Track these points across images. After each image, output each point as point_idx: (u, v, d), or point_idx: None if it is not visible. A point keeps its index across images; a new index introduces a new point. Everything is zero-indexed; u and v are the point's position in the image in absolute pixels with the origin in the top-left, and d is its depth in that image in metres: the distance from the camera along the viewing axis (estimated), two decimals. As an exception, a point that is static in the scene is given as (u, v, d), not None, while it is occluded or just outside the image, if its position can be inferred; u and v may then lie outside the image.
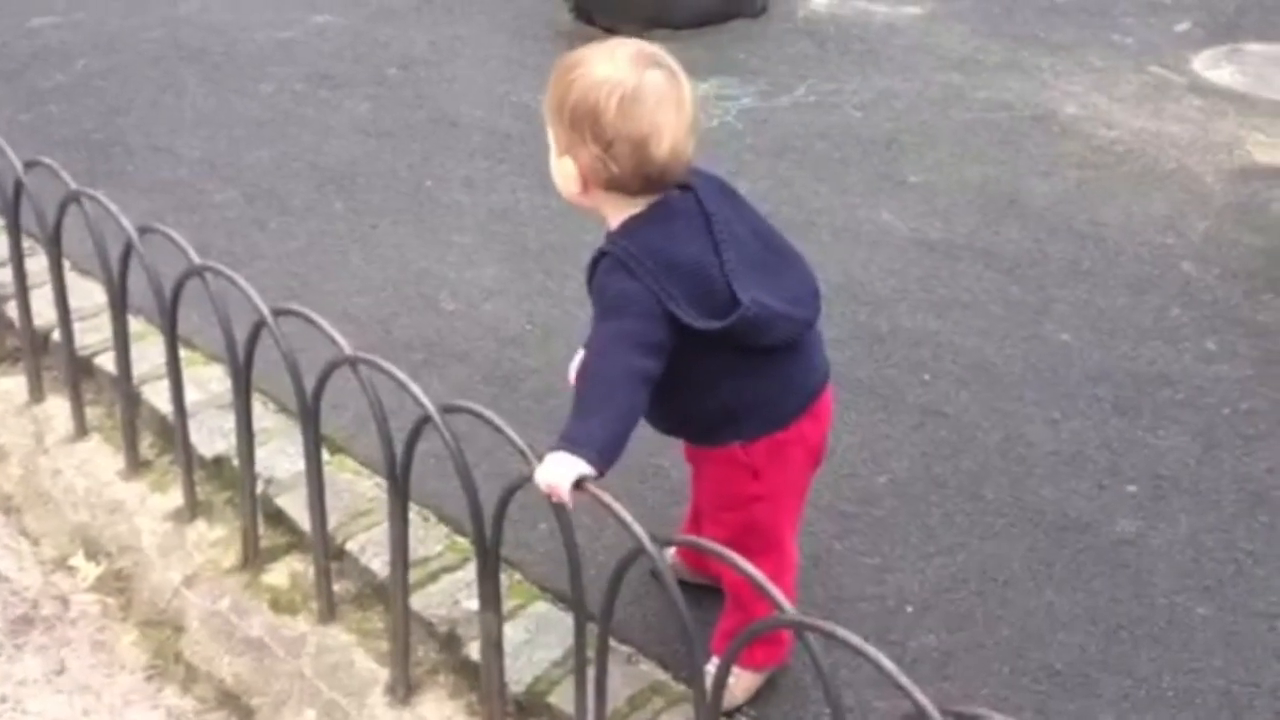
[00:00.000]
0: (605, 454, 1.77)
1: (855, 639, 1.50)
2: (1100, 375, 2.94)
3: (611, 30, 4.96)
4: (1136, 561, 2.41)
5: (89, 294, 3.07)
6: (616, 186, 1.87)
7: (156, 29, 4.96)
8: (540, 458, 1.78)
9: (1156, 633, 2.26)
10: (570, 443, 1.77)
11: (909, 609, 2.30)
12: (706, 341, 1.84)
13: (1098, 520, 2.51)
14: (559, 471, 1.75)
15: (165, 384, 2.54)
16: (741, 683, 2.09)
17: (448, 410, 1.96)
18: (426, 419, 1.95)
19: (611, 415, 1.79)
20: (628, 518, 1.73)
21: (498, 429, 1.89)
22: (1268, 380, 2.92)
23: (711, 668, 1.89)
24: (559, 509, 1.82)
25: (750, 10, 5.12)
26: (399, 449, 2.01)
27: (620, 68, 1.84)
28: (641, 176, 1.86)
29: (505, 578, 2.25)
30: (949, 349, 3.02)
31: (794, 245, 2.01)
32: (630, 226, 1.89)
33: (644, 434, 1.93)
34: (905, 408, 2.82)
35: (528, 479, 1.83)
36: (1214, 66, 4.67)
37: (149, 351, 2.82)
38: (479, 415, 1.94)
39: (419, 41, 4.88)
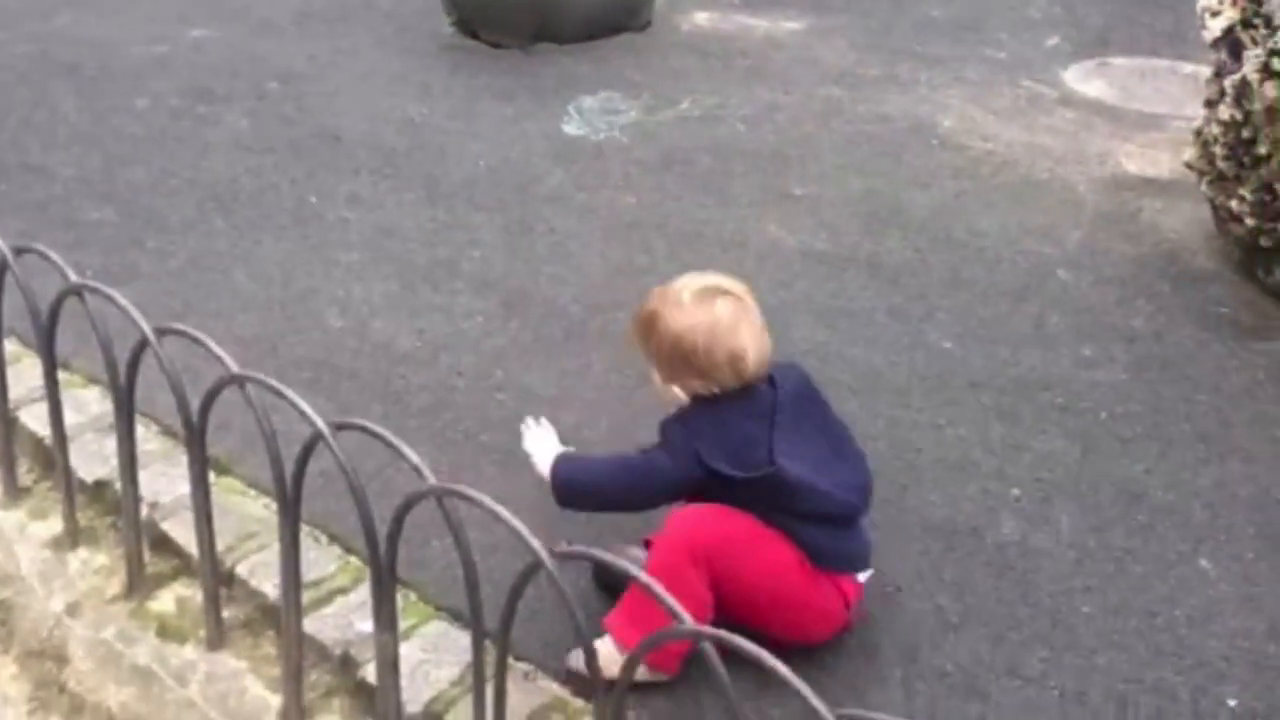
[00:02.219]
0: (576, 481, 2.27)
1: (750, 646, 1.51)
2: (983, 381, 3.01)
3: (495, 45, 4.96)
4: (1022, 563, 2.47)
5: (-41, 317, 2.97)
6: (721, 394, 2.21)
7: (26, 44, 4.83)
8: (435, 473, 1.79)
9: (1043, 633, 2.31)
10: (564, 455, 2.31)
11: (803, 616, 2.33)
12: (747, 493, 2.14)
13: (984, 524, 2.57)
14: (542, 446, 2.35)
15: (42, 407, 2.48)
16: (619, 660, 2.02)
17: (339, 428, 1.93)
18: (317, 437, 1.92)
19: (604, 480, 2.28)
20: (524, 531, 1.73)
21: (390, 445, 1.87)
22: (1142, 384, 3.02)
23: (603, 645, 2.00)
24: (456, 527, 1.81)
25: (635, 25, 5.15)
26: (289, 468, 1.98)
27: (692, 312, 2.19)
28: (740, 384, 2.19)
29: (400, 597, 2.22)
30: (838, 358, 3.07)
31: (859, 447, 2.32)
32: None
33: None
34: (795, 417, 2.85)
35: (422, 495, 1.82)
36: (1083, 80, 4.82)
37: (24, 374, 2.74)
38: (370, 432, 1.91)
39: (298, 56, 4.82)
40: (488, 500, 1.77)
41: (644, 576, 1.66)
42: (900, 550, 2.49)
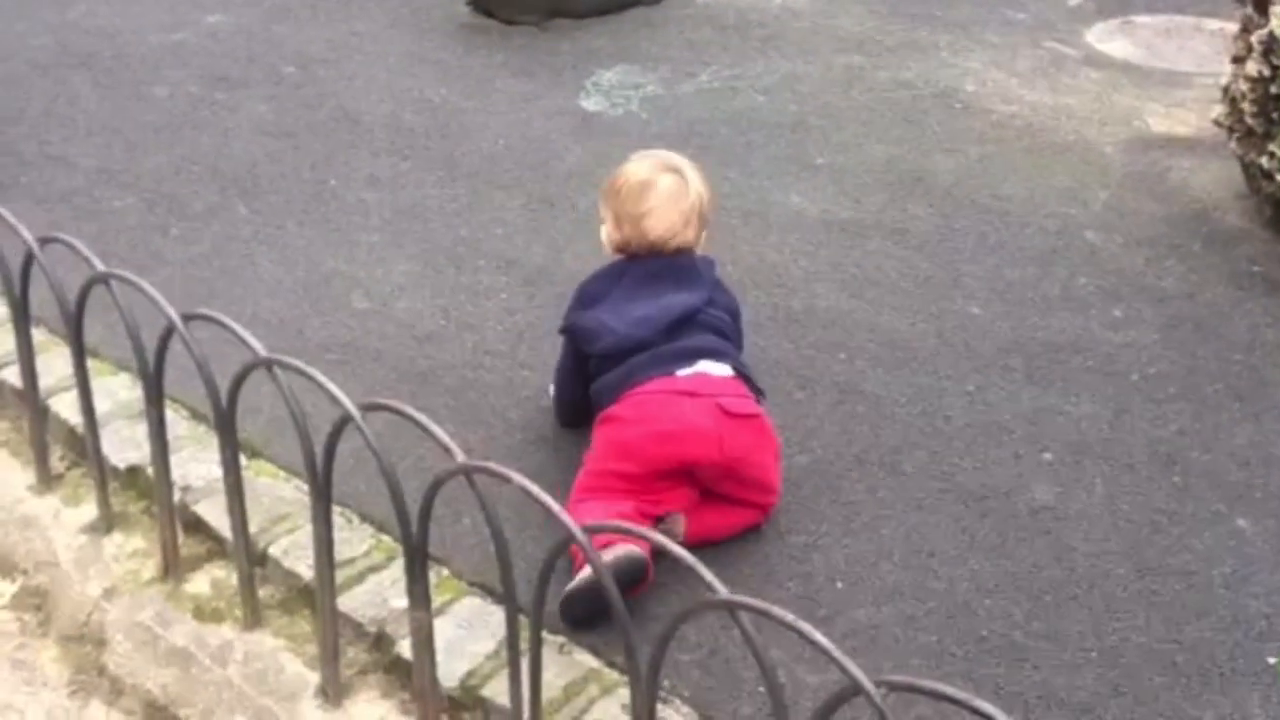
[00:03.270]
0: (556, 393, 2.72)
1: (788, 616, 1.51)
2: (1012, 346, 2.99)
3: (511, 22, 4.94)
4: (1056, 527, 2.46)
5: (-13, 308, 2.98)
6: (623, 250, 2.59)
7: (44, 35, 4.83)
8: (464, 451, 1.79)
9: (1079, 596, 2.30)
10: None
11: (838, 584, 2.32)
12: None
13: (1016, 488, 2.55)
14: None
15: (73, 395, 2.48)
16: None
17: (367, 409, 1.94)
18: (347, 419, 1.92)
19: (557, 380, 2.70)
20: (555, 507, 1.73)
21: (419, 424, 1.87)
22: (1173, 344, 2.99)
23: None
24: (486, 504, 1.81)
25: (650, -2, 5.11)
26: (319, 450, 1.98)
27: (642, 169, 2.58)
28: (641, 248, 2.55)
29: (433, 574, 2.22)
30: (864, 327, 3.05)
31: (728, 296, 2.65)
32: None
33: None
34: (824, 387, 2.84)
35: (452, 474, 1.83)
36: (1107, 40, 4.77)
37: (54, 363, 2.75)
38: (399, 412, 1.92)
39: (316, 39, 4.80)
40: (517, 476, 1.78)
41: (676, 548, 1.65)
42: (933, 517, 2.48)
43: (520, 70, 4.55)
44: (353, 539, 2.39)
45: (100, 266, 2.25)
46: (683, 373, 2.41)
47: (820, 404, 2.79)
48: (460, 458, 1.83)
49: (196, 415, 2.70)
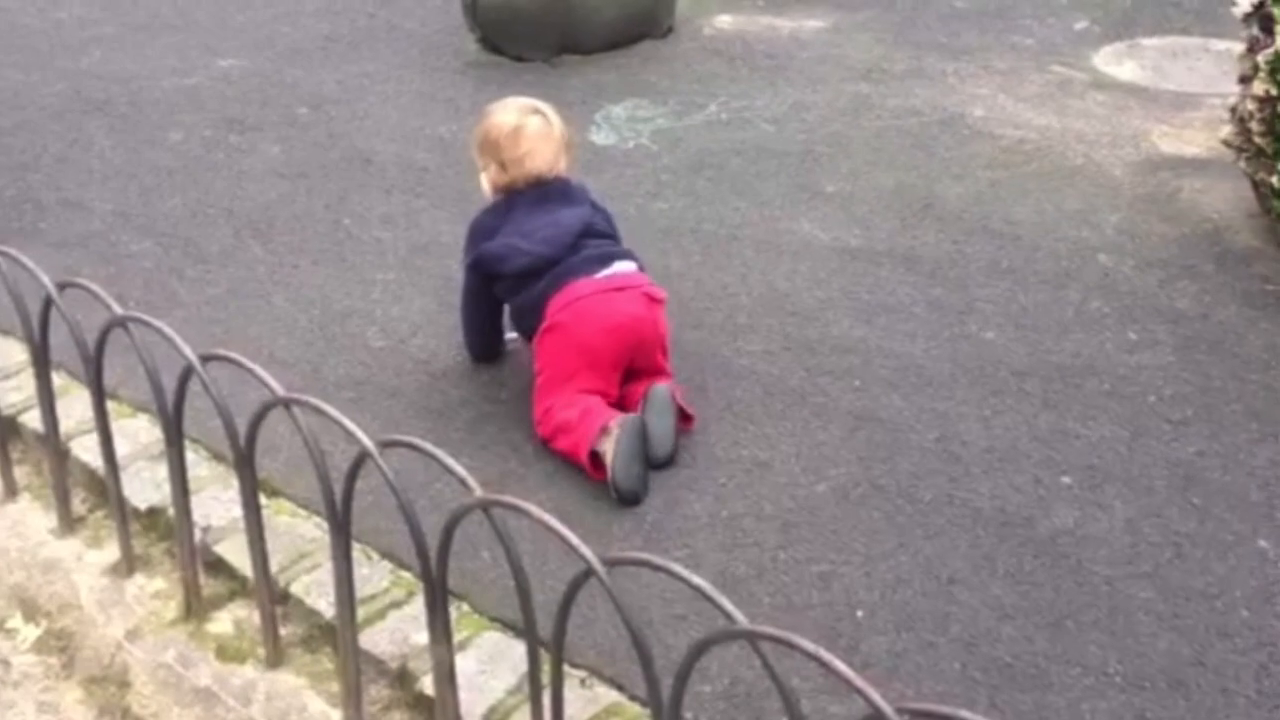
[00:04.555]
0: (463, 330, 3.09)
1: (809, 645, 1.51)
2: (1027, 370, 2.99)
3: (520, 59, 4.98)
4: (1076, 551, 2.45)
5: (5, 352, 3.01)
6: (509, 190, 2.92)
7: (59, 83, 4.89)
8: (482, 486, 1.80)
9: (1101, 620, 2.29)
10: None
11: (858, 613, 2.32)
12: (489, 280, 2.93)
13: (1036, 513, 2.55)
14: None
15: (92, 438, 2.50)
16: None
17: (385, 445, 1.95)
18: (364, 456, 1.93)
19: (464, 316, 3.07)
20: (574, 540, 1.73)
21: (436, 459, 1.88)
22: (1189, 365, 2.99)
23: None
24: (505, 538, 1.82)
25: (657, 32, 5.16)
26: (338, 487, 1.99)
27: (509, 117, 2.93)
28: (525, 183, 2.90)
29: (454, 609, 2.22)
30: (878, 354, 3.06)
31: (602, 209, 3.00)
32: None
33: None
34: (839, 414, 2.84)
35: (470, 508, 1.83)
36: (1114, 62, 4.79)
37: (73, 406, 2.77)
38: (417, 448, 1.93)
39: (327, 81, 4.85)
40: (535, 510, 1.78)
41: (696, 580, 1.65)
42: (952, 542, 2.47)
43: (530, 106, 4.58)
44: (373, 575, 2.40)
45: (118, 310, 2.27)
46: (601, 274, 2.79)
47: (836, 431, 2.79)
48: (477, 491, 1.84)
49: (216, 455, 2.72)
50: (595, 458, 2.59)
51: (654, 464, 2.62)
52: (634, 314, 2.75)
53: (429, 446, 1.90)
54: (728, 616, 1.58)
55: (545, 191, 2.89)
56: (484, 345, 3.03)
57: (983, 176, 3.93)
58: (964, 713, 1.39)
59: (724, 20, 5.38)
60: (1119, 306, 3.23)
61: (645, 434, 2.60)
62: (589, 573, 1.72)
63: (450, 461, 1.87)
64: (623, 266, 2.83)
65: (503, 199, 2.93)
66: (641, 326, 2.77)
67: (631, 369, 2.80)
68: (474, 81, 4.82)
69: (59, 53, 5.20)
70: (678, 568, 1.71)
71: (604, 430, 2.59)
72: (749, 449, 2.73)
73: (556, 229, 2.82)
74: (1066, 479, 2.64)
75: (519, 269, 2.81)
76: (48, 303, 2.37)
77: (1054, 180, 3.89)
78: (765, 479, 2.64)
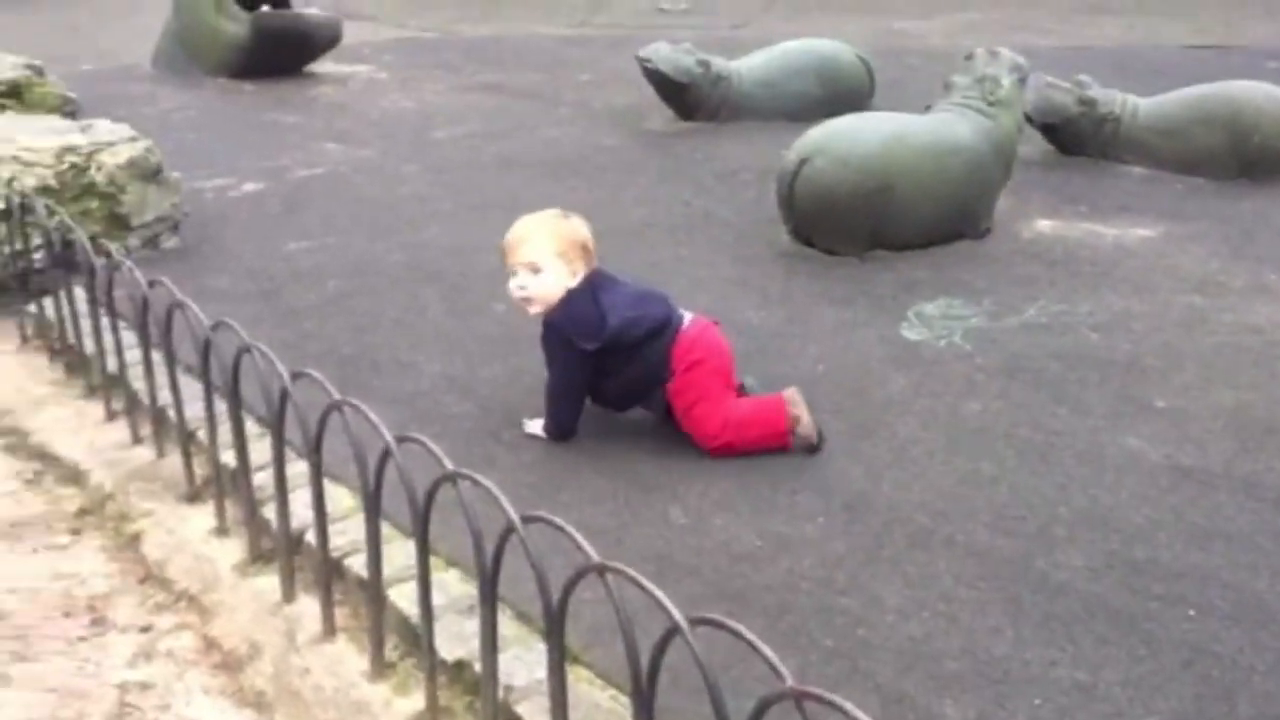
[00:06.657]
0: (549, 415, 3.66)
1: (850, 706, 1.36)
2: (1386, 614, 2.71)
3: (831, 252, 5.02)
4: None
5: (335, 499, 3.16)
6: (589, 280, 3.56)
7: (399, 253, 5.24)
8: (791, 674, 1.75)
9: None
10: None
11: None
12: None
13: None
14: (535, 423, 3.66)
15: (409, 586, 2.57)
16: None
17: (696, 623, 1.92)
18: (675, 630, 1.91)
19: (554, 399, 3.65)
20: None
21: (749, 643, 1.83)
22: None
23: None
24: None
25: (974, 232, 5.12)
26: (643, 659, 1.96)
27: (577, 220, 3.61)
28: (587, 260, 3.57)
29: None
30: (1215, 583, 2.83)
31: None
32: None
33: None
34: (1171, 645, 2.63)
35: (782, 697, 1.77)
36: None
37: (394, 554, 2.86)
38: (727, 628, 1.89)
39: (640, 263, 5.00)
40: (849, 706, 1.70)
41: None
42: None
43: (840, 299, 4.59)
44: (670, 757, 2.34)
45: (450, 465, 2.35)
46: (689, 318, 3.58)
47: (1168, 664, 2.58)
48: (789, 681, 1.78)
49: (520, 615, 2.74)
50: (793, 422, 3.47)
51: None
52: (724, 339, 3.62)
53: (741, 628, 1.86)
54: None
55: (599, 272, 3.58)
56: (574, 421, 3.60)
57: (1330, 401, 3.66)
58: None
59: (1044, 224, 5.29)
60: None
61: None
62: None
63: (763, 647, 1.82)
64: (683, 309, 3.63)
65: (584, 283, 3.50)
66: (728, 347, 3.64)
67: None
68: (784, 270, 4.89)
69: (401, 226, 5.59)
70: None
71: (785, 401, 3.51)
72: (1067, 670, 2.56)
73: (639, 297, 3.55)
74: None
75: (649, 331, 3.50)
76: (384, 454, 2.48)
77: None
78: (1087, 705, 2.46)
